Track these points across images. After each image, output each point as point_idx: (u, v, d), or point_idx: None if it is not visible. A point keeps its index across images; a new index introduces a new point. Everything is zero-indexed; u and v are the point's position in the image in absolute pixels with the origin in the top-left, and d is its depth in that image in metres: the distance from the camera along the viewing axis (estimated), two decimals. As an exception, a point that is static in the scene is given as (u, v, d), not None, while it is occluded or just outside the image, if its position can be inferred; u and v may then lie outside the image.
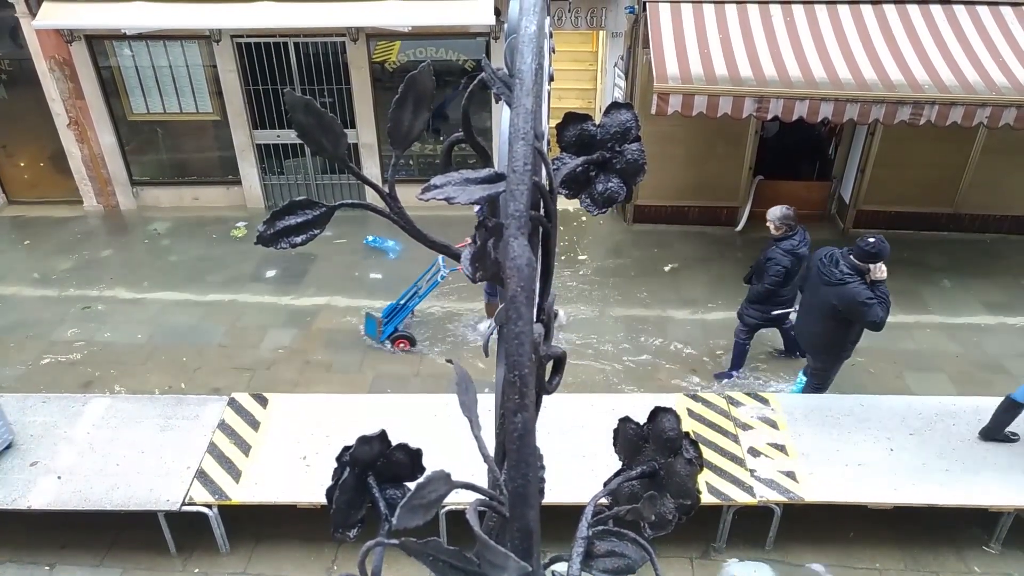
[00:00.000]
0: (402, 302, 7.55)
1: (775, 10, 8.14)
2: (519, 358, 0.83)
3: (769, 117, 7.52)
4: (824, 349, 6.09)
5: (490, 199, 1.00)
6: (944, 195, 9.50)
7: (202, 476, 5.32)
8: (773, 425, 5.79)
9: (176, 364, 7.36)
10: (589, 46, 12.52)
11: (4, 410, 5.53)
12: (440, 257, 7.43)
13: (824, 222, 10.09)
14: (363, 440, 1.12)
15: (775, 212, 6.35)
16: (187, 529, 5.36)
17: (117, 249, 9.70)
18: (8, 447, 5.49)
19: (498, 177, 0.99)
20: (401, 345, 7.53)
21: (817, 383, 6.30)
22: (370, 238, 9.45)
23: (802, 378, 6.63)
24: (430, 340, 7.73)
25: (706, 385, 7.00)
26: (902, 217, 9.67)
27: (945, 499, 5.22)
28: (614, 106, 1.12)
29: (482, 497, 1.00)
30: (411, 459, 1.16)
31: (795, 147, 10.29)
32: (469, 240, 1.04)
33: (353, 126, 9.81)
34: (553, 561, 1.16)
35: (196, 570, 5.32)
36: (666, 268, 8.94)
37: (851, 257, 5.66)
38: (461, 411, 1.07)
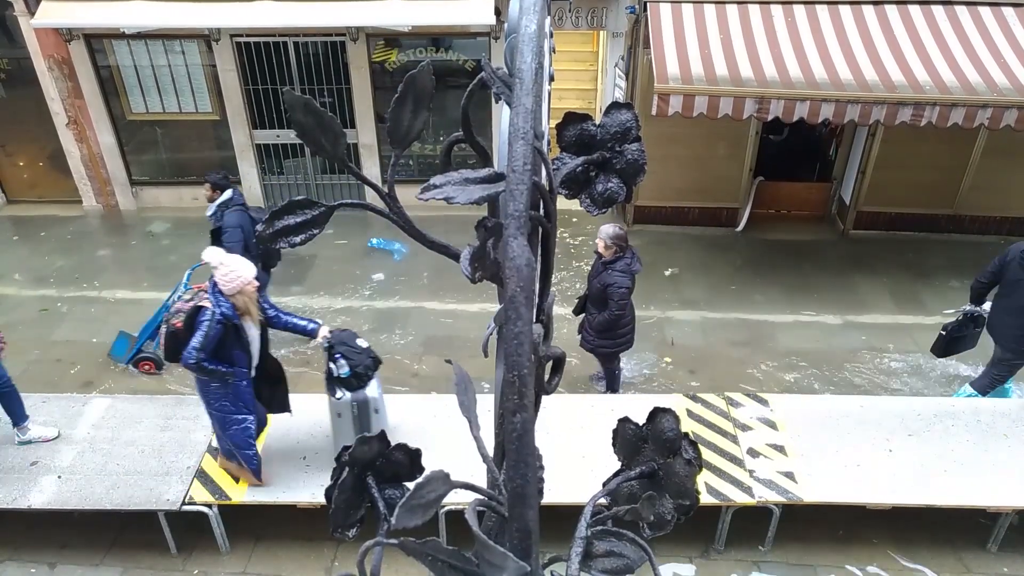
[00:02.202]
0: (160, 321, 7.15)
1: (776, 10, 8.14)
2: (518, 358, 0.83)
3: (769, 118, 7.51)
4: (1017, 342, 6.09)
5: (490, 199, 1.00)
6: (944, 196, 9.50)
7: (202, 476, 5.32)
8: (772, 426, 5.79)
9: (176, 364, 7.34)
10: (590, 46, 12.52)
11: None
12: (186, 275, 7.04)
13: (824, 223, 10.09)
14: (362, 440, 1.12)
15: (607, 230, 5.97)
16: (187, 529, 5.36)
17: (116, 249, 9.70)
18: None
19: (498, 177, 0.99)
20: (146, 367, 7.12)
21: (1003, 373, 6.28)
22: (375, 240, 9.45)
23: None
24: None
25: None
26: (902, 218, 9.67)
27: (943, 500, 5.22)
28: (614, 106, 1.12)
29: (481, 497, 1.00)
30: (410, 459, 1.17)
31: (799, 148, 10.29)
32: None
33: (353, 126, 9.81)
34: (552, 561, 1.16)
35: (196, 570, 5.31)
36: (666, 272, 8.92)
37: None
38: (460, 411, 1.07)
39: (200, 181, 10.39)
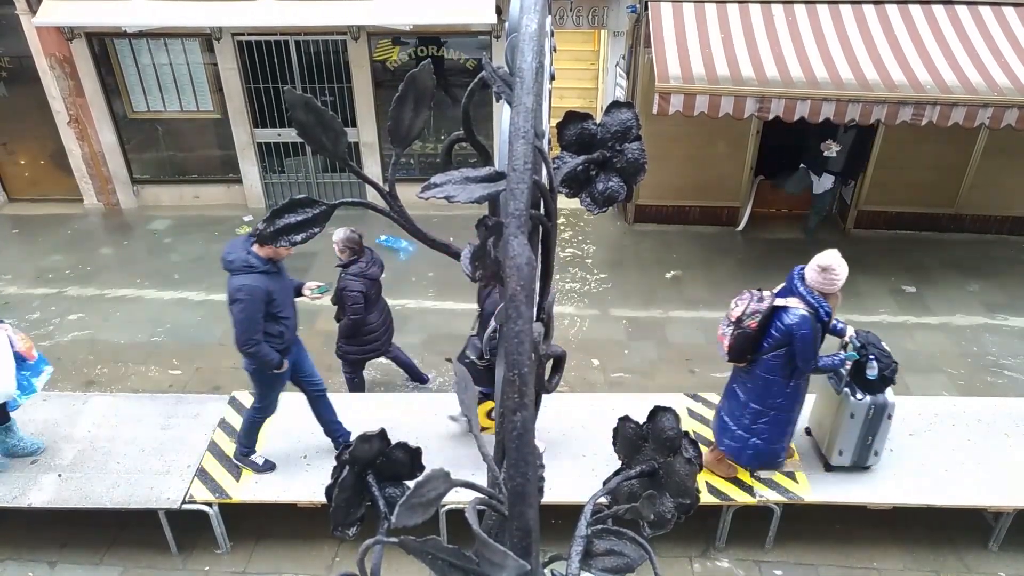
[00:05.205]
0: None
1: (777, 10, 8.14)
2: (519, 357, 0.83)
3: (770, 117, 7.50)
4: None
5: (490, 198, 1.00)
6: (945, 196, 9.49)
7: (203, 474, 5.33)
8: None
9: (177, 362, 7.36)
10: (591, 45, 12.52)
11: None
12: None
13: (825, 222, 10.08)
14: (363, 439, 1.12)
15: (339, 234, 5.72)
16: (188, 527, 5.36)
17: (117, 247, 9.70)
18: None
19: (498, 175, 0.99)
20: None
21: None
22: (383, 237, 9.45)
23: None
24: None
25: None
26: (903, 217, 9.66)
27: (944, 500, 5.21)
28: (615, 105, 1.12)
29: (481, 496, 1.01)
30: (410, 457, 1.17)
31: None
32: None
33: (354, 124, 9.81)
34: (552, 560, 1.16)
35: (196, 568, 5.32)
36: (667, 275, 8.92)
37: None
38: (461, 410, 1.07)
39: (201, 180, 10.48)
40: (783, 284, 4.84)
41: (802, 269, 4.69)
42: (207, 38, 9.32)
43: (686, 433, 1.17)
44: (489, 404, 5.17)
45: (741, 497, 5.19)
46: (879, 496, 5.24)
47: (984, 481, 5.30)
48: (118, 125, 9.98)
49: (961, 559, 5.35)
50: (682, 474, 1.14)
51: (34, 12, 8.76)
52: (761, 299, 4.73)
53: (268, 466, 5.42)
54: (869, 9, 8.08)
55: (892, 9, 8.08)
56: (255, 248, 4.76)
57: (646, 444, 1.19)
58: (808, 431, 5.55)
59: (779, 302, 4.67)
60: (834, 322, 4.88)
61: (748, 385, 4.90)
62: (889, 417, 5.14)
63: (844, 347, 5.08)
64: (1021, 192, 9.34)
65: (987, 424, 5.80)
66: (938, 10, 8.06)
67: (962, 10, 8.04)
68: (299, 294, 5.24)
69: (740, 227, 9.78)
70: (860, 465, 5.31)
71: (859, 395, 5.05)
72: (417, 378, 6.79)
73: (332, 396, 6.34)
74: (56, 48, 9.27)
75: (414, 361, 6.76)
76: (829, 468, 5.36)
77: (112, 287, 8.69)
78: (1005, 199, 9.40)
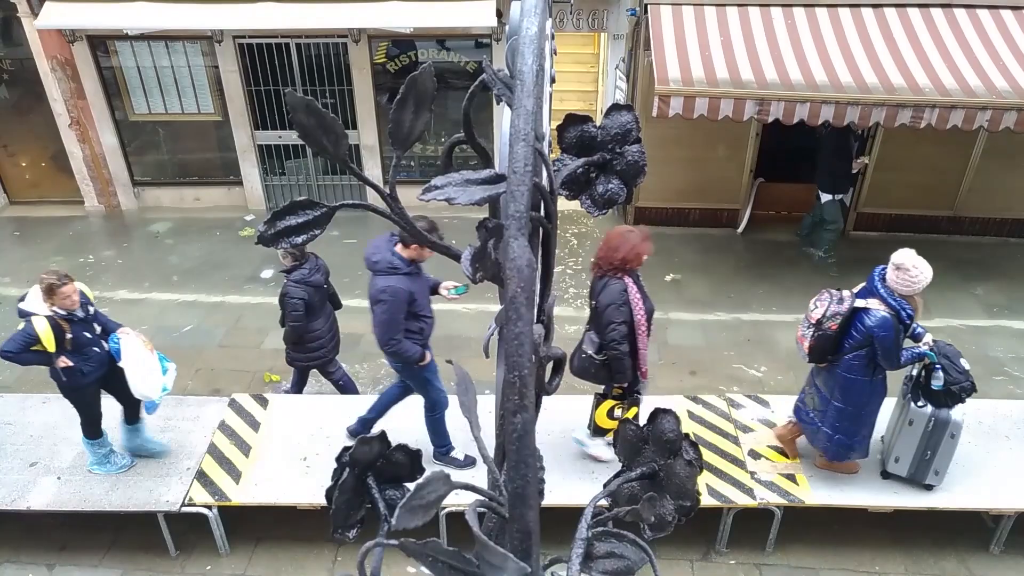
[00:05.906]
0: None
1: (776, 12, 8.14)
2: (519, 359, 0.83)
3: (770, 119, 7.51)
4: None
5: (490, 200, 1.01)
6: (944, 198, 9.50)
7: (202, 477, 5.32)
8: (773, 427, 5.78)
9: (176, 364, 7.34)
10: (591, 48, 12.53)
11: None
12: None
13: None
14: (363, 441, 1.13)
15: None
16: (187, 530, 5.36)
17: (118, 249, 9.70)
18: None
19: (499, 178, 0.99)
20: None
21: None
22: None
23: None
24: None
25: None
26: (902, 220, 9.67)
27: (945, 502, 5.21)
28: (615, 108, 1.12)
29: (482, 498, 1.01)
30: (411, 460, 1.17)
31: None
32: None
33: (354, 127, 9.82)
34: (552, 562, 1.16)
35: (195, 571, 5.31)
36: (667, 278, 8.91)
37: None
38: (461, 412, 1.07)
39: (202, 182, 10.48)
40: (863, 284, 4.81)
41: (883, 269, 4.66)
42: (208, 40, 9.33)
43: (686, 435, 1.17)
44: (608, 403, 5.18)
45: (742, 499, 5.19)
46: (880, 499, 5.24)
47: (985, 484, 5.30)
48: (119, 127, 9.99)
49: (963, 562, 5.35)
50: (683, 476, 1.14)
51: (35, 15, 8.77)
52: (841, 300, 4.72)
53: (469, 461, 5.48)
54: (868, 12, 8.09)
55: (890, 12, 8.09)
56: (399, 249, 4.83)
57: (646, 446, 1.19)
58: (882, 438, 5.50)
59: (859, 303, 4.66)
60: (913, 325, 4.85)
61: (829, 384, 4.92)
62: (953, 436, 5.02)
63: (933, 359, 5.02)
64: (1020, 194, 9.35)
65: (987, 427, 5.80)
66: (936, 13, 8.07)
67: (960, 13, 8.05)
68: (435, 292, 5.32)
69: (740, 229, 9.78)
70: (919, 481, 5.20)
71: (920, 402, 5.00)
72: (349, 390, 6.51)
73: (330, 398, 6.35)
74: (57, 50, 9.28)
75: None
76: (886, 476, 5.30)
77: (113, 289, 8.68)
78: (1004, 201, 9.41)
